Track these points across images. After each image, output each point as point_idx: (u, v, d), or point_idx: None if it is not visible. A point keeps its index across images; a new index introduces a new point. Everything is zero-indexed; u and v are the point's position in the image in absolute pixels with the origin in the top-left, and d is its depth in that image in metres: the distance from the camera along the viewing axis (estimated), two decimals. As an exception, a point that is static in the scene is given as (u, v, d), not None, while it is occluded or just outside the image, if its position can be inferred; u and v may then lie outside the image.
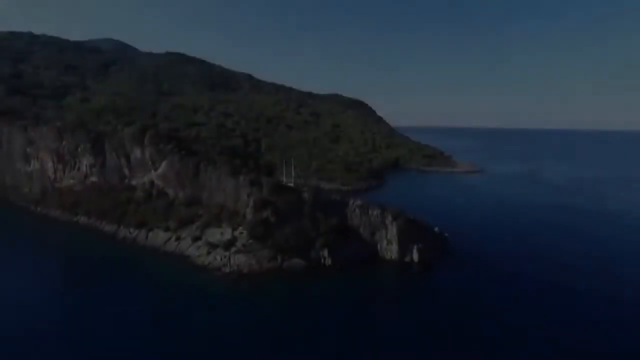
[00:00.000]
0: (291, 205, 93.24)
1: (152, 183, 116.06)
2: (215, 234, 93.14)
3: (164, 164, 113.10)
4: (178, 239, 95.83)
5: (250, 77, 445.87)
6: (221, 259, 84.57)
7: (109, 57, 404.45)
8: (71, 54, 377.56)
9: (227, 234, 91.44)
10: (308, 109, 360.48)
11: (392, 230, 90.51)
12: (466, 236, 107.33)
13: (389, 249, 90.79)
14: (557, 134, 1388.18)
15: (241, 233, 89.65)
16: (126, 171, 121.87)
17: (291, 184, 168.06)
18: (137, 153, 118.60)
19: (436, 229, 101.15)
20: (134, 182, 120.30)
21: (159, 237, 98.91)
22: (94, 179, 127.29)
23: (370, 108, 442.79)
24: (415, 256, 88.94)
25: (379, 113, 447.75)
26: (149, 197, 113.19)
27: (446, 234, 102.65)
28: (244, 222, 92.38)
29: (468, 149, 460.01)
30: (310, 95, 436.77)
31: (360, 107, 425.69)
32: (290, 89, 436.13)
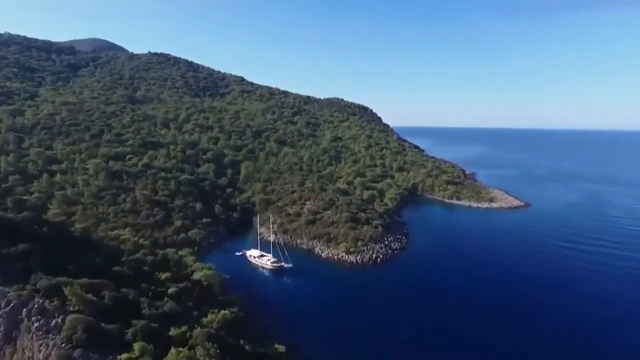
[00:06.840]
0: None
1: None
2: None
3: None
4: None
5: (241, 80, 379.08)
6: None
7: (82, 58, 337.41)
8: (35, 55, 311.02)
9: None
10: (305, 117, 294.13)
11: None
12: None
13: None
14: (557, 135, 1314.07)
15: None
16: None
17: (269, 260, 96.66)
18: None
19: None
20: None
21: None
22: None
23: (376, 114, 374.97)
24: None
25: (382, 115, 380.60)
26: None
27: None
28: None
29: (483, 160, 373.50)
30: (308, 100, 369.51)
31: (364, 114, 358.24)
32: (286, 93, 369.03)
